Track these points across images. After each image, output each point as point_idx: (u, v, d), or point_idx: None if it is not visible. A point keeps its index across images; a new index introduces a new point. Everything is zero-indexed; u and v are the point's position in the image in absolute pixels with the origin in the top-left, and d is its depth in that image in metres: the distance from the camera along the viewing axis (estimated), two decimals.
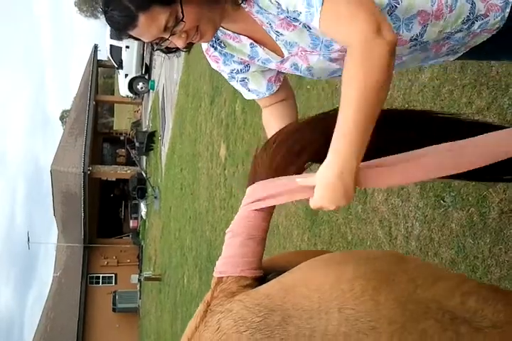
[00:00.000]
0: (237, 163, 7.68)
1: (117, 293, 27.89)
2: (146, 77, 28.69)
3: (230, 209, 7.72)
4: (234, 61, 1.72)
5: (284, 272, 1.38)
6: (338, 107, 1.31)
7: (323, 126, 1.57)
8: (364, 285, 1.24)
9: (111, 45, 27.43)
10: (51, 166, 27.15)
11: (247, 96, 1.80)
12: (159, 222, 19.56)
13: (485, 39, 1.61)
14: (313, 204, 1.38)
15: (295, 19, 1.44)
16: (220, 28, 1.61)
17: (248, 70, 1.73)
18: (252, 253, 1.46)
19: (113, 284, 30.26)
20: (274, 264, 1.51)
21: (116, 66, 28.50)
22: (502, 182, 2.45)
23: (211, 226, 9.22)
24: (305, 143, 1.55)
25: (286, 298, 1.27)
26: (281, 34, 1.52)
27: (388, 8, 1.45)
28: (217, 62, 1.74)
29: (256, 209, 1.50)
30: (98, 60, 33.84)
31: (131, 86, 28.56)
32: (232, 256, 1.46)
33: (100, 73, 38.14)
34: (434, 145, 1.45)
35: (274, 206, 1.54)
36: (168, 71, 20.74)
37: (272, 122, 1.74)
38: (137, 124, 32.88)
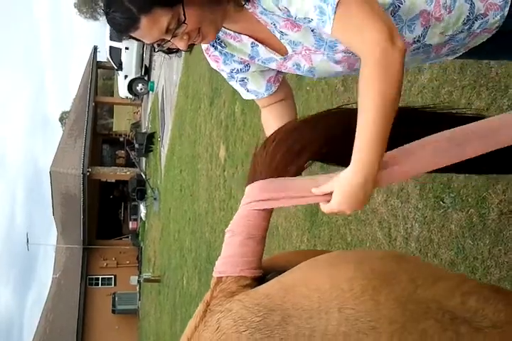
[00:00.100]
0: (237, 165, 7.68)
1: (117, 295, 27.86)
2: (146, 78, 28.69)
3: (230, 211, 7.72)
4: (234, 61, 1.71)
5: (284, 272, 1.38)
6: (339, 106, 1.33)
7: (324, 125, 1.57)
8: (364, 285, 1.24)
9: (110, 47, 27.44)
10: (50, 167, 27.14)
11: (246, 96, 1.79)
12: (159, 223, 19.54)
13: (485, 39, 1.61)
14: (330, 209, 1.43)
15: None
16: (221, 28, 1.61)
17: (248, 70, 1.73)
18: (252, 252, 1.46)
19: (112, 286, 30.22)
20: (273, 264, 1.51)
21: (115, 67, 28.49)
22: (498, 174, 2.45)
23: (211, 227, 9.22)
24: (305, 143, 1.55)
25: (285, 298, 1.27)
26: (285, 34, 1.52)
27: (392, 8, 1.45)
28: (217, 61, 1.74)
29: (256, 209, 1.50)
30: (98, 62, 33.84)
31: (130, 87, 28.57)
32: (231, 256, 1.46)
33: (100, 74, 38.09)
34: (433, 135, 1.47)
35: None
36: (167, 72, 20.74)
37: (271, 121, 1.74)
38: (137, 126, 32.85)
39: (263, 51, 1.63)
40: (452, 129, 1.48)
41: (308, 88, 5.27)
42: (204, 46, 1.71)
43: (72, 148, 26.78)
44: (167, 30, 1.41)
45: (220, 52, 1.71)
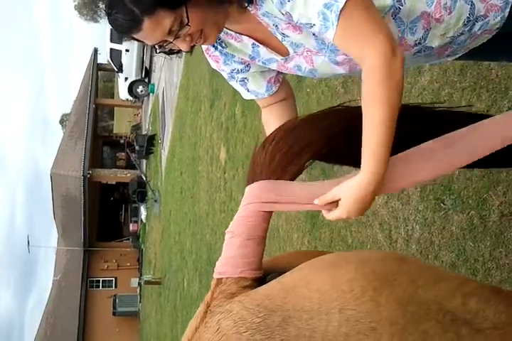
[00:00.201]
0: (237, 167, 7.67)
1: (117, 297, 27.83)
2: (146, 80, 28.69)
3: (230, 213, 7.71)
4: (234, 61, 1.71)
5: (285, 272, 1.38)
6: (341, 103, 1.44)
7: (326, 124, 1.57)
8: (365, 286, 1.24)
9: (111, 49, 27.44)
10: (51, 170, 27.11)
11: (246, 96, 1.80)
12: (159, 225, 19.53)
13: (485, 40, 1.61)
14: (338, 216, 1.46)
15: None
16: None
17: (248, 70, 1.73)
18: (253, 253, 1.46)
19: (113, 288, 30.19)
20: (274, 265, 1.51)
21: (116, 69, 28.49)
22: (498, 168, 2.46)
23: (211, 229, 9.21)
24: (306, 142, 1.55)
25: (286, 299, 1.27)
26: (287, 36, 1.52)
27: (392, 10, 1.45)
28: (217, 61, 1.74)
29: (258, 210, 1.50)
30: (98, 64, 33.81)
31: (131, 89, 28.55)
32: (231, 257, 1.46)
33: (100, 76, 38.11)
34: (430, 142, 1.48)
35: None
36: (168, 74, 20.75)
37: (272, 121, 1.74)
38: (137, 128, 32.84)
39: (264, 52, 1.63)
40: (452, 135, 1.49)
41: (308, 90, 5.27)
42: (204, 46, 1.71)
43: (73, 150, 26.77)
44: (170, 32, 1.41)
45: (221, 53, 1.71)
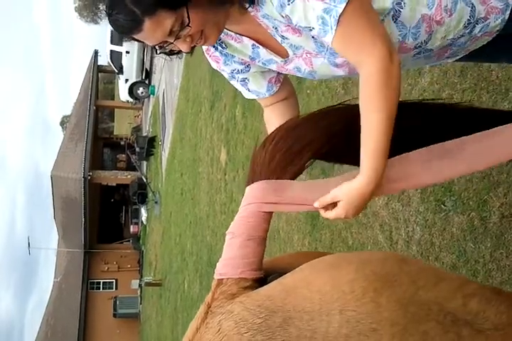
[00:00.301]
0: (238, 168, 7.67)
1: (118, 299, 27.81)
2: (147, 82, 28.69)
3: (231, 214, 7.71)
4: (234, 61, 1.71)
5: (285, 273, 1.38)
6: (341, 102, 1.51)
7: (326, 123, 1.57)
8: (365, 287, 1.24)
9: (111, 51, 27.46)
10: (51, 172, 27.12)
11: (247, 95, 1.80)
12: (160, 227, 19.53)
13: (485, 42, 1.61)
14: (336, 216, 1.48)
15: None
16: None
17: (249, 71, 1.73)
18: (253, 254, 1.46)
19: (113, 289, 30.16)
20: (274, 265, 1.51)
21: (116, 71, 28.51)
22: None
23: (212, 231, 9.21)
24: (306, 142, 1.55)
25: (287, 300, 1.27)
26: (286, 38, 1.53)
27: (392, 13, 1.45)
28: (217, 62, 1.74)
29: (258, 210, 1.50)
30: (98, 66, 33.82)
31: (131, 91, 28.55)
32: (232, 258, 1.46)
33: (100, 78, 38.13)
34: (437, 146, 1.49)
35: None
36: (168, 76, 20.76)
37: (273, 120, 1.75)
38: (137, 129, 32.87)
39: (264, 53, 1.63)
40: (452, 143, 1.50)
41: (308, 91, 5.28)
42: (205, 46, 1.71)
43: (73, 152, 26.77)
44: (170, 33, 1.41)
45: (221, 53, 1.71)
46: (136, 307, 27.01)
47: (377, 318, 1.20)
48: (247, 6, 1.43)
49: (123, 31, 1.42)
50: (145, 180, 24.34)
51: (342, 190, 1.44)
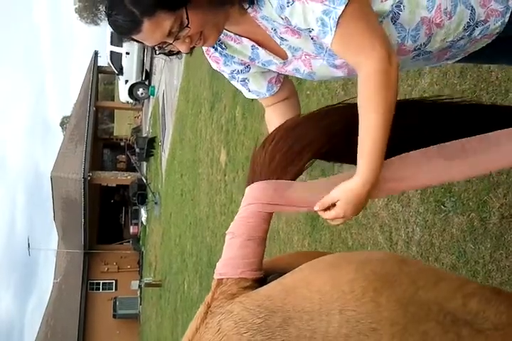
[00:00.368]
0: (238, 169, 7.67)
1: (118, 299, 27.80)
2: (147, 83, 28.69)
3: (231, 215, 7.70)
4: (234, 62, 1.71)
5: (285, 273, 1.38)
6: (342, 101, 1.52)
7: (327, 122, 1.57)
8: (365, 287, 1.24)
9: (111, 52, 27.46)
10: (51, 172, 27.12)
11: (248, 95, 1.80)
12: (159, 227, 19.52)
13: (485, 44, 1.61)
14: (334, 216, 1.49)
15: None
16: None
17: (248, 71, 1.73)
18: (253, 254, 1.46)
19: (113, 290, 30.16)
20: (274, 265, 1.51)
21: (116, 72, 28.50)
22: None
23: (211, 231, 9.21)
24: (306, 142, 1.55)
25: (286, 300, 1.27)
26: (285, 40, 1.53)
27: (391, 15, 1.46)
28: (217, 62, 1.74)
29: (258, 210, 1.50)
30: (98, 66, 33.84)
31: (131, 92, 28.55)
32: (232, 258, 1.46)
33: (100, 79, 38.13)
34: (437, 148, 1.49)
35: None
36: (168, 77, 20.76)
37: (274, 119, 1.75)
38: (137, 130, 32.87)
39: (263, 54, 1.63)
40: (452, 145, 1.51)
41: (308, 92, 5.28)
42: (204, 47, 1.71)
43: (73, 153, 26.77)
44: (169, 34, 1.41)
45: (221, 54, 1.71)
46: (136, 308, 27.00)
47: (377, 318, 1.20)
48: (246, 7, 1.43)
49: (122, 32, 1.43)
50: (145, 181, 24.36)
51: (339, 190, 1.45)
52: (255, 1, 1.42)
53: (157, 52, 1.53)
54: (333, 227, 4.33)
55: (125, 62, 27.47)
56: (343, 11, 1.32)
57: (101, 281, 30.37)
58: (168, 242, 16.39)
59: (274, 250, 5.60)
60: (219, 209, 8.72)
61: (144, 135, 28.60)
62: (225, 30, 1.60)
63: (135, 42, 1.51)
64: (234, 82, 1.79)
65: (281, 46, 1.57)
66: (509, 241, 2.54)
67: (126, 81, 28.19)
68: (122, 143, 34.17)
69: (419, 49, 1.54)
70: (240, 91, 1.83)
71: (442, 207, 2.99)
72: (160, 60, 22.53)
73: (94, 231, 30.48)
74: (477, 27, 1.52)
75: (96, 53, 33.91)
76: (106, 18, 1.44)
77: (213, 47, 1.70)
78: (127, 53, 27.13)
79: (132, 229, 29.36)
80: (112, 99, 47.53)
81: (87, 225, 27.57)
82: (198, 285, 10.06)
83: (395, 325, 1.20)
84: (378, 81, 1.35)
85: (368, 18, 1.37)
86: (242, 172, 7.35)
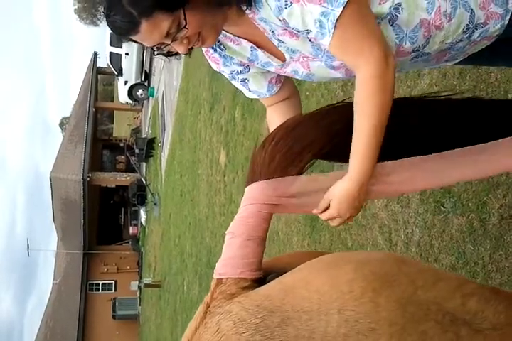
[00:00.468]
0: (237, 170, 7.67)
1: (117, 300, 27.79)
2: (146, 83, 28.71)
3: (230, 216, 7.70)
4: (234, 63, 1.72)
5: (284, 273, 1.38)
6: (342, 100, 1.53)
7: (326, 123, 1.57)
8: (364, 287, 1.24)
9: (110, 53, 27.48)
10: (51, 173, 27.11)
11: (249, 95, 1.81)
12: (159, 228, 19.52)
13: (484, 47, 1.61)
14: (329, 216, 1.52)
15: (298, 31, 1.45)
16: None
17: (248, 72, 1.73)
18: (253, 254, 1.46)
19: (113, 291, 30.16)
20: (273, 265, 1.51)
21: (115, 73, 28.51)
22: None
23: (211, 232, 9.20)
24: (306, 143, 1.55)
25: (285, 300, 1.27)
26: (283, 42, 1.53)
27: (389, 17, 1.45)
28: (217, 63, 1.74)
29: (258, 210, 1.50)
30: (98, 67, 33.87)
31: (130, 93, 28.58)
32: (231, 258, 1.46)
33: (100, 80, 38.12)
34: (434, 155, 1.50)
35: None
36: (167, 78, 20.76)
37: (275, 119, 1.75)
38: (137, 131, 32.85)
39: (262, 55, 1.63)
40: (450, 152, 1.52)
41: (307, 93, 5.28)
42: (204, 48, 1.72)
43: (73, 154, 26.77)
44: (167, 34, 1.41)
45: (220, 55, 1.71)
46: (136, 309, 26.99)
47: (375, 318, 1.20)
48: (244, 8, 1.43)
49: (120, 32, 1.43)
50: (144, 182, 24.36)
51: (332, 191, 1.48)
52: (253, 3, 1.42)
53: (156, 52, 1.53)
54: (333, 228, 4.33)
55: (124, 63, 27.49)
56: (341, 13, 1.32)
57: (100, 282, 30.37)
58: (167, 243, 16.39)
59: (274, 251, 5.59)
60: (218, 210, 8.72)
61: (144, 136, 28.60)
62: (224, 32, 1.60)
63: (134, 43, 1.51)
64: (234, 82, 1.79)
65: (279, 48, 1.57)
66: (509, 242, 2.54)
67: (126, 82, 28.21)
68: (122, 144, 34.21)
69: (417, 50, 1.54)
70: (241, 91, 1.83)
71: (442, 207, 2.99)
72: (159, 61, 22.54)
73: (93, 232, 30.47)
74: (476, 29, 1.52)
75: (95, 54, 33.94)
76: (104, 19, 1.44)
77: (213, 48, 1.70)
78: (126, 54, 27.15)
79: (132, 230, 29.39)
80: (112, 100, 47.53)
81: (87, 226, 27.57)
82: (197, 285, 10.05)
83: (393, 325, 1.20)
84: (375, 85, 1.36)
85: (367, 19, 1.38)
86: (242, 173, 7.35)
